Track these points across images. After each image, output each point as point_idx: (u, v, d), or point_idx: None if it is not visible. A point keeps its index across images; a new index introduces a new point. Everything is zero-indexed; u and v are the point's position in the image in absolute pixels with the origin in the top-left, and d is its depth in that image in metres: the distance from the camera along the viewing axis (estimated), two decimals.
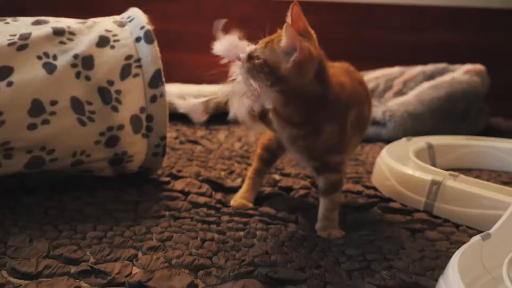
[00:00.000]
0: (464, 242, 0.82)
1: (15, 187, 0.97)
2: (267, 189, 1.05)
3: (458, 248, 0.71)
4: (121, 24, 1.03)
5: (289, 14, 0.79)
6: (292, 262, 0.74)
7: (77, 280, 0.67)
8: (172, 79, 2.20)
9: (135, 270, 0.70)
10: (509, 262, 0.65)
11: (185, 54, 2.27)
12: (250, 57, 0.75)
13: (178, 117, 1.72)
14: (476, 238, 0.72)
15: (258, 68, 0.75)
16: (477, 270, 0.69)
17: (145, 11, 2.21)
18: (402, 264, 0.75)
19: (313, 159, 0.85)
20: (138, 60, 0.98)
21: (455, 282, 0.62)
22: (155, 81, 0.98)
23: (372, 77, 1.85)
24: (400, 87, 1.75)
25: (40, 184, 0.99)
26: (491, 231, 0.74)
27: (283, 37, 0.74)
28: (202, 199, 0.97)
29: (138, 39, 0.99)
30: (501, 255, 0.68)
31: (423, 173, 1.02)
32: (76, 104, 0.92)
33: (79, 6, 2.30)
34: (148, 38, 0.99)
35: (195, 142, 1.44)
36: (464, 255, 0.69)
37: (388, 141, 1.43)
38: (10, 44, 0.92)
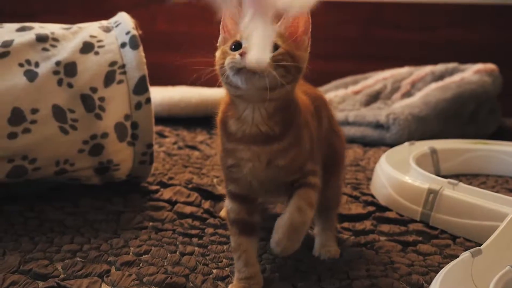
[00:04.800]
0: (458, 257, 0.78)
1: None
2: None
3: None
4: (107, 29, 1.00)
5: None
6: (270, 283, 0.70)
7: None
8: (178, 82, 2.18)
9: (104, 287, 0.67)
10: (496, 282, 0.60)
11: (192, 57, 2.24)
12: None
13: (180, 121, 1.71)
14: (466, 254, 0.68)
15: (279, 60, 0.63)
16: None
17: (152, 12, 2.20)
18: (386, 281, 0.71)
19: (292, 173, 0.71)
20: (123, 66, 0.95)
21: None
22: (140, 88, 0.95)
23: (380, 78, 1.80)
24: (408, 88, 1.70)
25: (25, 192, 0.98)
26: (482, 246, 0.70)
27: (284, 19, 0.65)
28: (188, 209, 0.94)
29: (123, 45, 0.97)
30: (493, 272, 0.64)
31: (420, 181, 0.98)
32: (58, 112, 0.90)
33: (87, 9, 2.29)
34: (133, 43, 0.97)
35: (193, 148, 1.41)
36: (451, 273, 0.65)
37: (392, 145, 1.38)
38: None
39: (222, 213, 0.92)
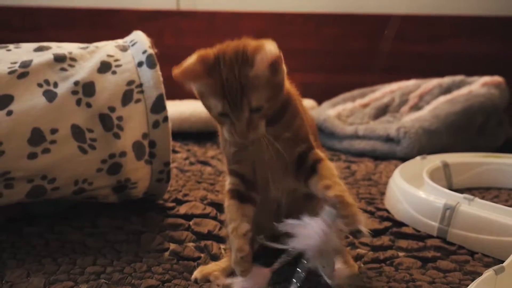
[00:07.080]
0: (479, 273, 0.78)
1: (18, 216, 0.96)
2: None
3: (471, 280, 0.67)
4: (124, 49, 1.01)
5: None
6: None
7: None
8: (187, 96, 2.19)
9: None
10: None
11: None
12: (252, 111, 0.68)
13: (190, 136, 1.72)
14: (489, 272, 0.68)
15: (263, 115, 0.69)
16: None
17: (160, 26, 2.21)
18: None
19: (301, 141, 0.74)
20: (140, 85, 0.96)
21: None
22: (158, 106, 0.96)
23: (388, 90, 1.81)
24: (415, 101, 1.71)
25: (43, 212, 0.98)
26: (505, 264, 0.70)
27: (257, 64, 0.66)
28: (205, 228, 0.94)
29: (140, 64, 0.98)
30: None
31: (436, 196, 0.98)
32: (77, 132, 0.91)
33: (94, 23, 2.30)
34: (150, 62, 0.97)
35: (205, 163, 1.42)
36: None
37: (402, 159, 1.39)
38: (10, 72, 0.91)
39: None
